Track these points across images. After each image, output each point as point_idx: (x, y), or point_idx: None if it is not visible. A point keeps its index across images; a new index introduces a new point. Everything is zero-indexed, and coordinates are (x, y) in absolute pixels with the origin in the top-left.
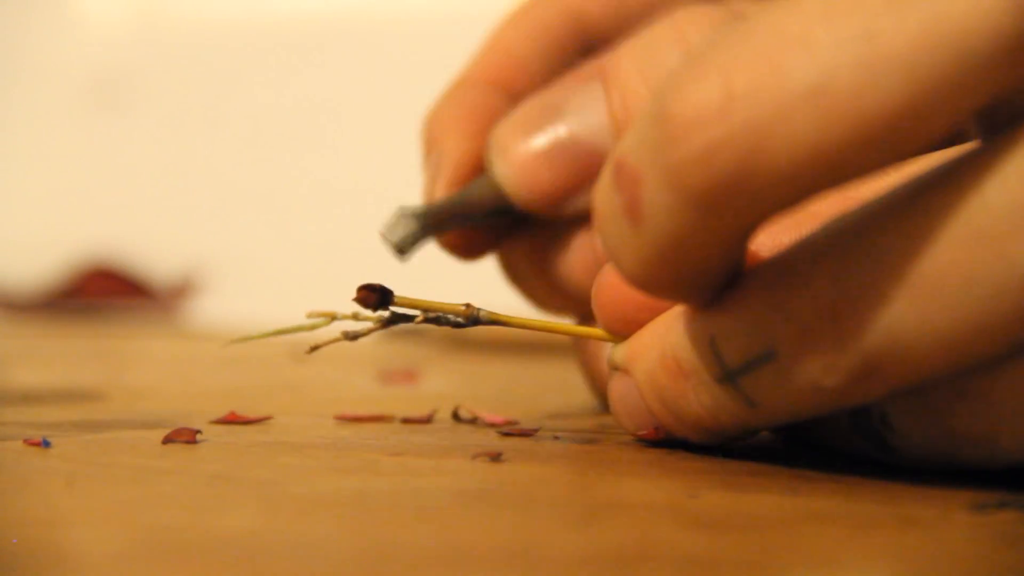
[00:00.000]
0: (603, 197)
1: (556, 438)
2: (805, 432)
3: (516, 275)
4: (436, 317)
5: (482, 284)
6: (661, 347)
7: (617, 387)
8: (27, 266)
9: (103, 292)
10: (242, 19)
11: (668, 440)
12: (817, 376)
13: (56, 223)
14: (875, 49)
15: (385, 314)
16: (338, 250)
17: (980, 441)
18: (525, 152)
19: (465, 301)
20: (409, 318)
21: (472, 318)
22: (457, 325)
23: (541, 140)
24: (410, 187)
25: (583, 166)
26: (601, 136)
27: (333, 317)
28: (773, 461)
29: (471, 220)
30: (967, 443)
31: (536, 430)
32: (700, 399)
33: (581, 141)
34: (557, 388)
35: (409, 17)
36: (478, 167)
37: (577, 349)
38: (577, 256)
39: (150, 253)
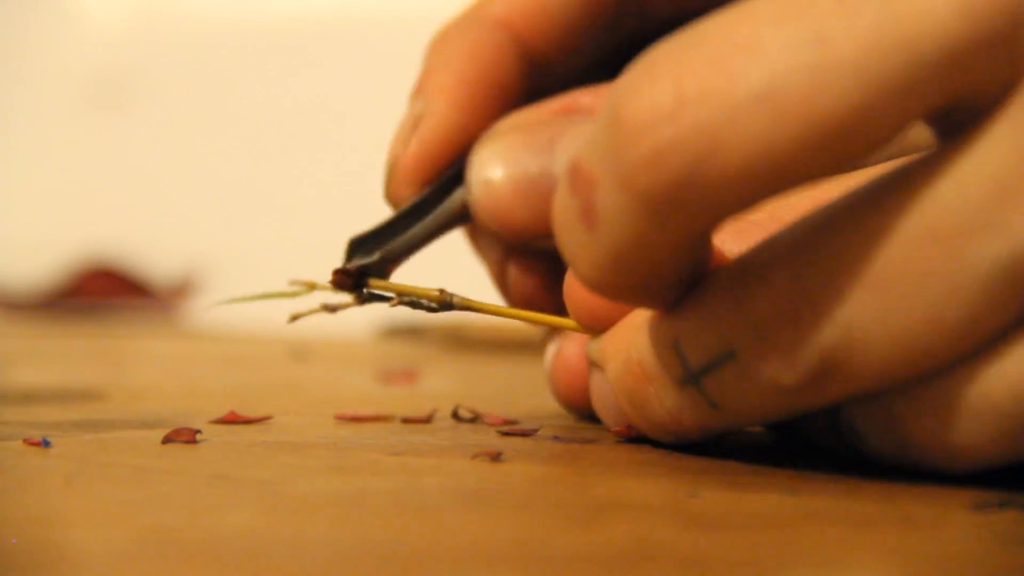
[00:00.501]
0: (560, 202)
1: (556, 438)
2: (799, 430)
3: (482, 255)
4: (410, 300)
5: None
6: (627, 351)
7: (594, 382)
8: (27, 266)
9: (103, 292)
10: (242, 19)
11: (645, 438)
12: (776, 375)
13: (56, 223)
14: (825, 53)
15: (357, 296)
16: (338, 250)
17: (940, 449)
18: (505, 187)
19: (439, 287)
20: (385, 298)
21: (446, 303)
22: (431, 309)
23: (524, 174)
24: None
25: None
26: None
27: (313, 286)
28: (773, 461)
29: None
30: (924, 449)
31: (536, 430)
32: (663, 403)
33: None
34: None
35: (409, 17)
36: (459, 140)
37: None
38: (525, 278)
39: (150, 253)
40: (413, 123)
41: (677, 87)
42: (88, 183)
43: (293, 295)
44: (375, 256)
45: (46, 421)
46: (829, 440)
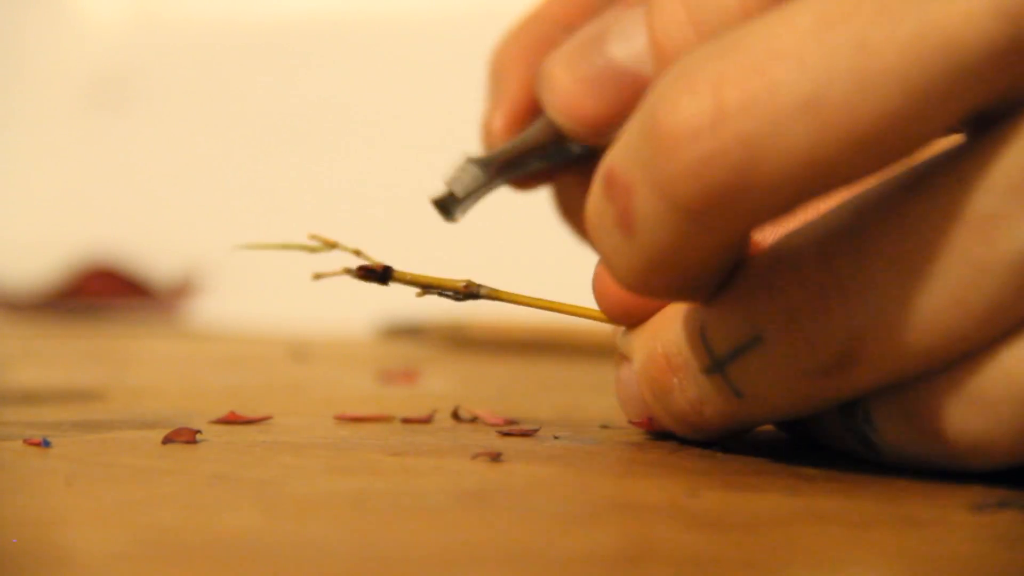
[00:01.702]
0: (595, 206)
1: (556, 438)
2: (805, 430)
3: (567, 209)
4: (436, 291)
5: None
6: (653, 344)
7: (621, 373)
8: (27, 266)
9: (103, 292)
10: (242, 19)
11: (661, 433)
12: (803, 360)
13: (56, 223)
14: (867, 60)
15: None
16: (338, 250)
17: (957, 442)
18: (568, 81)
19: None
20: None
21: (472, 293)
22: (456, 298)
23: (583, 68)
24: (410, 187)
25: (626, 92)
26: (643, 62)
27: (334, 245)
28: (773, 461)
29: (533, 164)
30: (942, 441)
31: (536, 430)
32: (686, 393)
33: (623, 68)
34: (557, 388)
35: (409, 17)
36: (536, 104)
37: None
38: None
39: (150, 253)
40: (492, 104)
41: (717, 97)
42: (88, 183)
43: (312, 250)
44: (483, 174)
45: (46, 421)
46: (839, 435)
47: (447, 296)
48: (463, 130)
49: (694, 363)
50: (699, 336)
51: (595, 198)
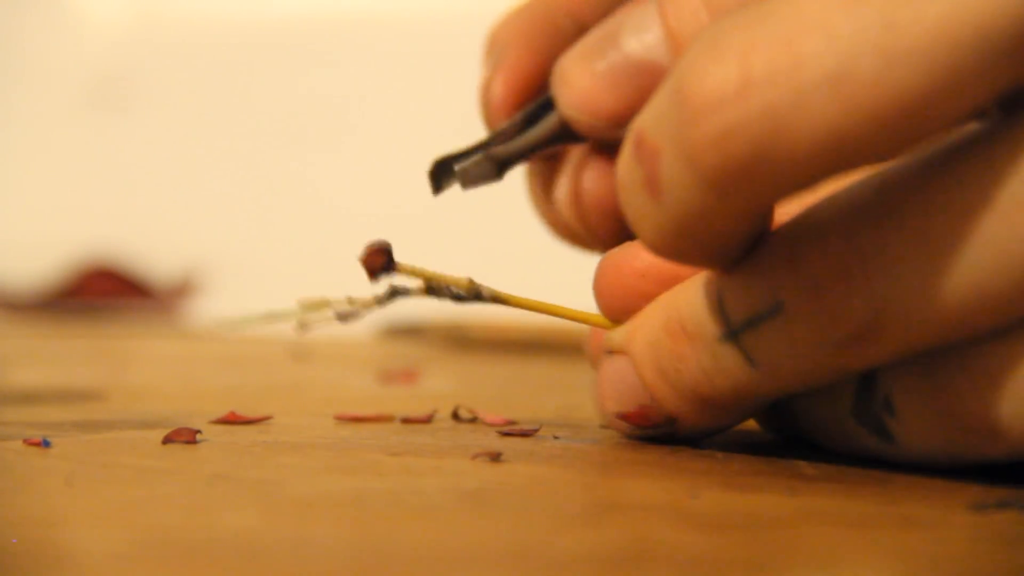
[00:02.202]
0: (624, 168)
1: (556, 438)
2: (805, 432)
3: (541, 198)
4: (436, 289)
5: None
6: (667, 312)
7: (607, 368)
8: (27, 266)
9: (103, 292)
10: (242, 19)
11: (646, 434)
12: (823, 331)
13: (56, 223)
14: (895, 37)
15: (381, 293)
16: (338, 250)
17: (980, 426)
18: (586, 77)
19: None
20: (405, 293)
21: (474, 292)
22: (458, 298)
23: (600, 64)
24: (410, 186)
25: (643, 85)
26: (659, 54)
27: (325, 304)
28: (773, 461)
29: (535, 154)
30: (967, 428)
31: (536, 430)
32: (700, 361)
33: (640, 61)
34: (557, 388)
35: (410, 17)
36: (535, 77)
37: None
38: (597, 175)
39: (150, 253)
40: (491, 72)
41: (744, 66)
42: (88, 183)
43: (302, 315)
44: (474, 157)
45: (46, 421)
46: (846, 432)
47: (448, 297)
48: (463, 130)
49: (710, 331)
50: (717, 302)
51: (624, 159)
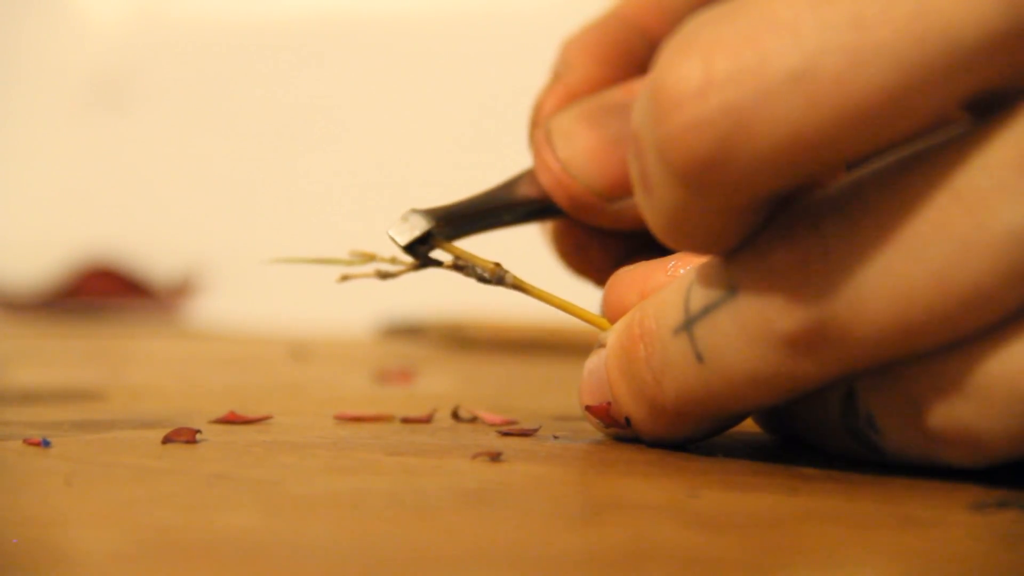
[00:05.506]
0: (629, 163)
1: (556, 438)
2: (803, 434)
3: (562, 251)
4: (464, 266)
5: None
6: (634, 312)
7: (589, 361)
8: (27, 266)
9: (103, 292)
10: (242, 19)
11: (612, 433)
12: (767, 322)
13: (56, 223)
14: (861, 36)
15: (416, 261)
16: (338, 250)
17: (958, 438)
18: (591, 139)
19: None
20: (438, 264)
21: (498, 277)
22: (482, 279)
23: (606, 131)
24: (410, 186)
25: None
26: None
27: (372, 258)
28: (773, 461)
29: (495, 223)
30: (947, 442)
31: (536, 430)
32: (650, 360)
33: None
34: (557, 388)
35: (409, 17)
36: (598, 89)
37: None
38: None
39: (150, 253)
40: (552, 82)
41: (707, 64)
42: (88, 183)
43: (350, 263)
44: (427, 225)
45: (46, 421)
46: (839, 438)
47: (473, 276)
48: (463, 130)
49: (668, 323)
50: (684, 293)
51: (628, 155)
